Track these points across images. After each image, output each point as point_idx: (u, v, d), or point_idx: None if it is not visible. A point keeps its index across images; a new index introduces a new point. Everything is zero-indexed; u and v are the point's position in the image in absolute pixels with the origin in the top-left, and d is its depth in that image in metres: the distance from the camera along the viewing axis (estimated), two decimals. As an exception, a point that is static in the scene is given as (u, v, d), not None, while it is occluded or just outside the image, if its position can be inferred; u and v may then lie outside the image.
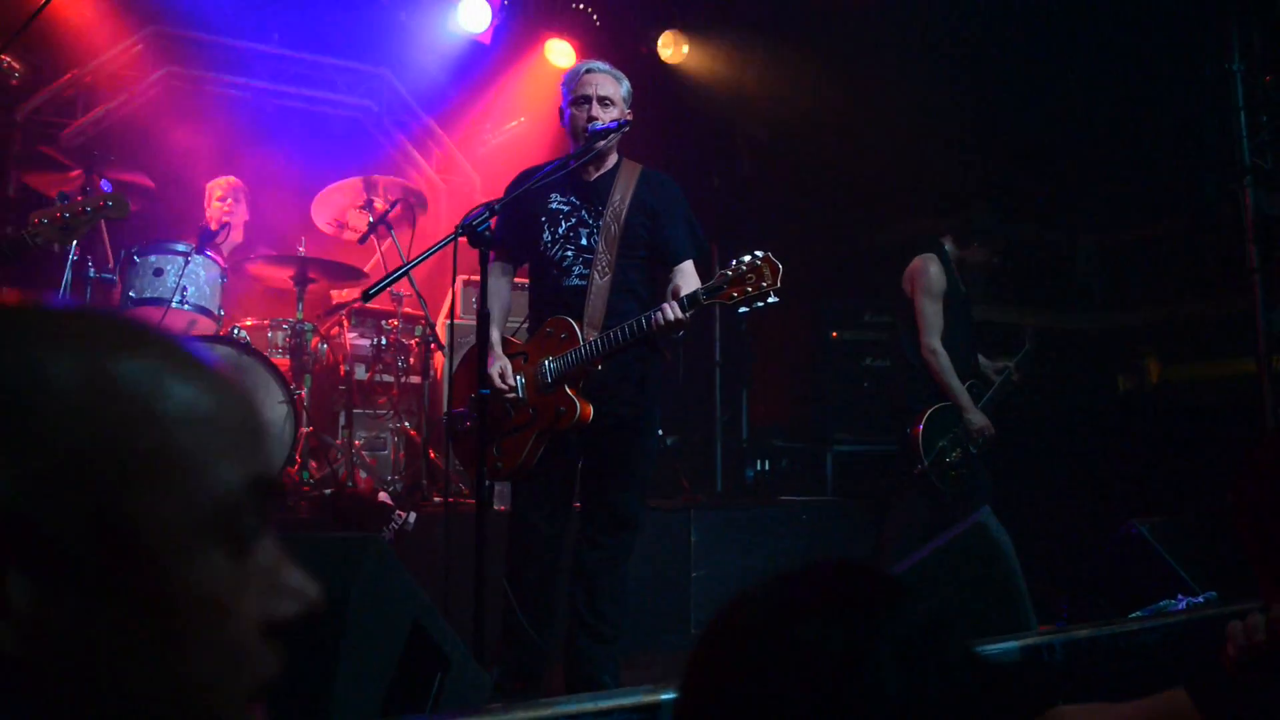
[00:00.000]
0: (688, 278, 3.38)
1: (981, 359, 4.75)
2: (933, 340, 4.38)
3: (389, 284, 2.66)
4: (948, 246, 4.56)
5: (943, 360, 4.37)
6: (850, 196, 7.14)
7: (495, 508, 4.32)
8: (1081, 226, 7.45)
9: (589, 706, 2.21)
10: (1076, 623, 3.63)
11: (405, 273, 2.71)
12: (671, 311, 3.02)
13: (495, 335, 3.23)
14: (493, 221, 2.81)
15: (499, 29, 6.72)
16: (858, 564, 0.77)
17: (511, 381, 3.20)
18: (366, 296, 2.77)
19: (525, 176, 3.44)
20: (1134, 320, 7.19)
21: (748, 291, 2.95)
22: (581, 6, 6.91)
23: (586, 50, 6.72)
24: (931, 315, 4.40)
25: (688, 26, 6.95)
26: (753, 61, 6.99)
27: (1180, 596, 3.48)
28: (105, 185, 4.30)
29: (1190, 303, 6.65)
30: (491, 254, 3.00)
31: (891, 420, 4.88)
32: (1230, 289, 5.62)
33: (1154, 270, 7.03)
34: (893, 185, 7.16)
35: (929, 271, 4.43)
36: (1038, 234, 7.24)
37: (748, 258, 2.97)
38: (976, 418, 4.37)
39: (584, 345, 3.15)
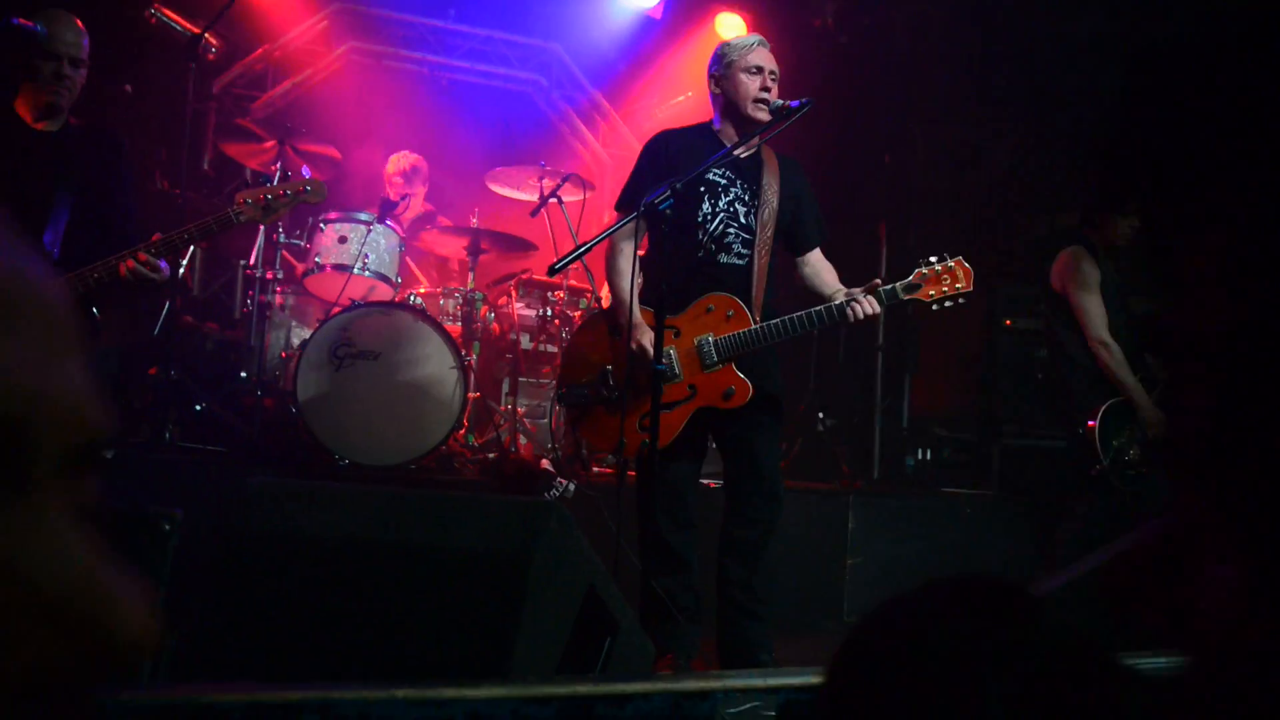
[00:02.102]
0: (824, 266, 3.41)
1: (1148, 357, 4.47)
2: (1101, 333, 4.16)
3: (574, 259, 2.69)
4: (1093, 238, 4.32)
5: (1115, 353, 4.14)
6: (1026, 180, 6.84)
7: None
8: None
9: (757, 683, 2.19)
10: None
11: (589, 249, 2.73)
12: (870, 305, 3.01)
13: (636, 307, 3.20)
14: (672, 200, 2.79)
15: (669, 2, 6.71)
16: (1010, 580, 0.75)
17: (675, 367, 3.16)
18: (552, 271, 2.81)
19: (668, 138, 3.42)
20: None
21: (944, 291, 2.97)
22: (753, -21, 6.82)
23: (758, 23, 6.62)
24: (1093, 307, 4.18)
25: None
26: (929, 40, 6.75)
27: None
28: (305, 171, 4.51)
29: None
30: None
31: (1060, 420, 4.66)
32: None
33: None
34: (1069, 169, 6.81)
35: (1080, 265, 4.21)
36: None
37: (938, 260, 3.00)
38: (1155, 414, 4.12)
39: (761, 329, 3.10)
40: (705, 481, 3.57)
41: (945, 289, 3.04)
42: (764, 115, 3.22)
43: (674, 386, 3.17)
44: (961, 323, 6.79)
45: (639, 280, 3.12)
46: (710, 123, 3.39)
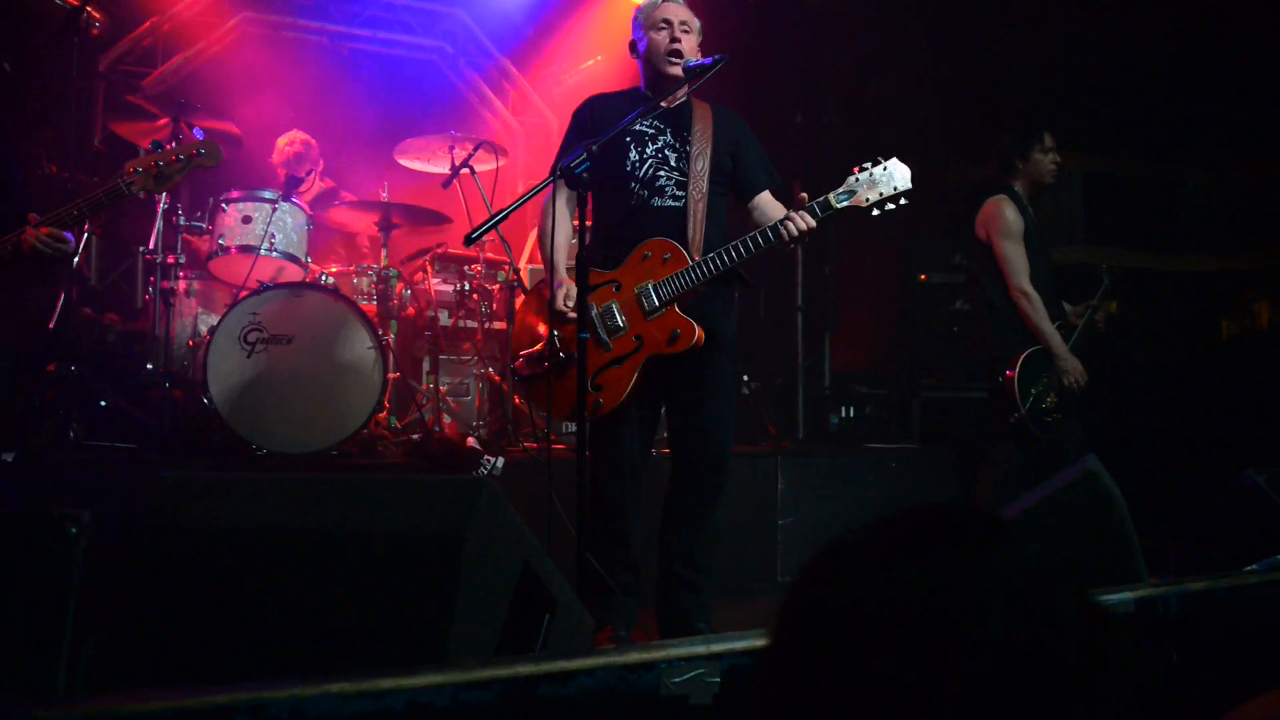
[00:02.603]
0: (773, 205, 3.34)
1: (1065, 304, 4.57)
2: (1023, 282, 4.22)
3: (490, 228, 2.61)
4: (1016, 186, 4.37)
5: (1035, 302, 4.21)
6: (938, 134, 6.91)
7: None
8: (1189, 162, 7.11)
9: (700, 649, 2.17)
10: (1188, 576, 3.51)
11: (505, 217, 2.65)
12: (804, 220, 2.96)
13: (561, 261, 3.13)
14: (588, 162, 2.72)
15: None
16: (959, 506, 0.71)
17: (571, 304, 3.09)
18: (468, 241, 2.72)
19: (596, 103, 3.36)
20: (1243, 263, 6.88)
21: (880, 194, 2.93)
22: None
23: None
24: (1016, 257, 4.23)
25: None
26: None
27: (1301, 548, 3.33)
28: (197, 133, 4.30)
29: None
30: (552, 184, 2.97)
31: (980, 368, 4.73)
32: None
33: (1267, 211, 6.69)
34: (981, 121, 6.90)
35: (1004, 214, 4.26)
36: (1139, 170, 6.94)
37: (872, 164, 2.96)
38: (1072, 362, 4.21)
39: (697, 265, 3.05)
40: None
41: (883, 192, 2.99)
42: (678, 71, 3.18)
43: (621, 339, 3.11)
44: (878, 280, 6.86)
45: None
46: (639, 86, 3.34)
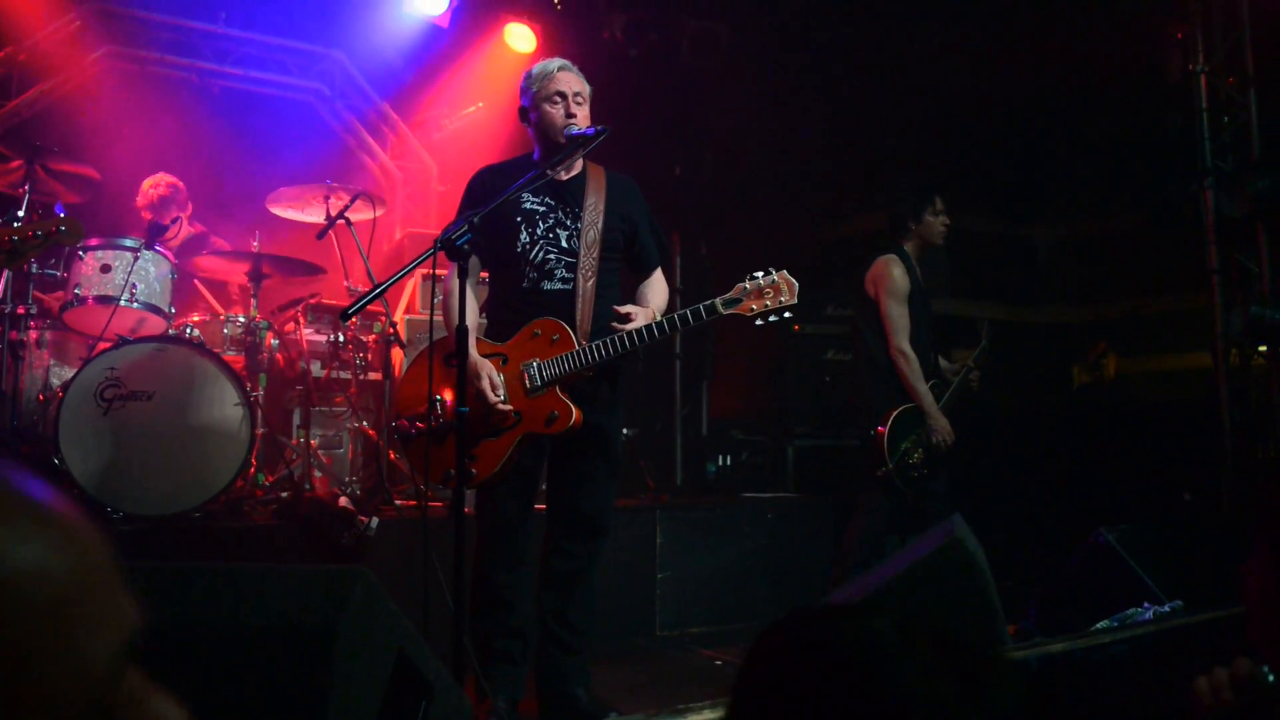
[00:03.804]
0: (659, 285, 3.46)
1: (940, 359, 4.76)
2: (902, 342, 4.38)
3: (369, 301, 2.55)
4: (906, 246, 4.56)
5: (913, 363, 4.37)
6: (812, 189, 7.13)
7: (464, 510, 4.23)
8: (1040, 220, 7.52)
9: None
10: (1047, 632, 3.67)
11: (384, 290, 2.59)
12: (693, 319, 3.04)
13: (473, 346, 3.11)
14: (470, 234, 2.69)
15: (456, 11, 6.55)
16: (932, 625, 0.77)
17: (503, 394, 3.10)
18: (345, 316, 2.65)
19: (488, 174, 3.34)
20: (1092, 315, 7.30)
21: (766, 304, 3.02)
22: (541, -10, 6.77)
23: (547, 34, 6.59)
24: (898, 317, 4.40)
25: (644, 15, 6.85)
26: (715, 50, 6.92)
27: (1146, 605, 3.53)
28: (58, 208, 4.09)
29: (1148, 298, 6.76)
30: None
31: (854, 418, 4.87)
32: (1188, 287, 5.70)
33: (1113, 265, 7.12)
34: (855, 178, 7.16)
35: (892, 274, 4.42)
36: (995, 227, 7.30)
37: (762, 275, 3.05)
38: (940, 421, 4.39)
39: (583, 349, 3.07)
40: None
41: (768, 303, 3.06)
42: (562, 140, 3.19)
43: (501, 414, 3.10)
44: (753, 329, 7.00)
45: (481, 316, 3.02)
46: (532, 154, 3.34)
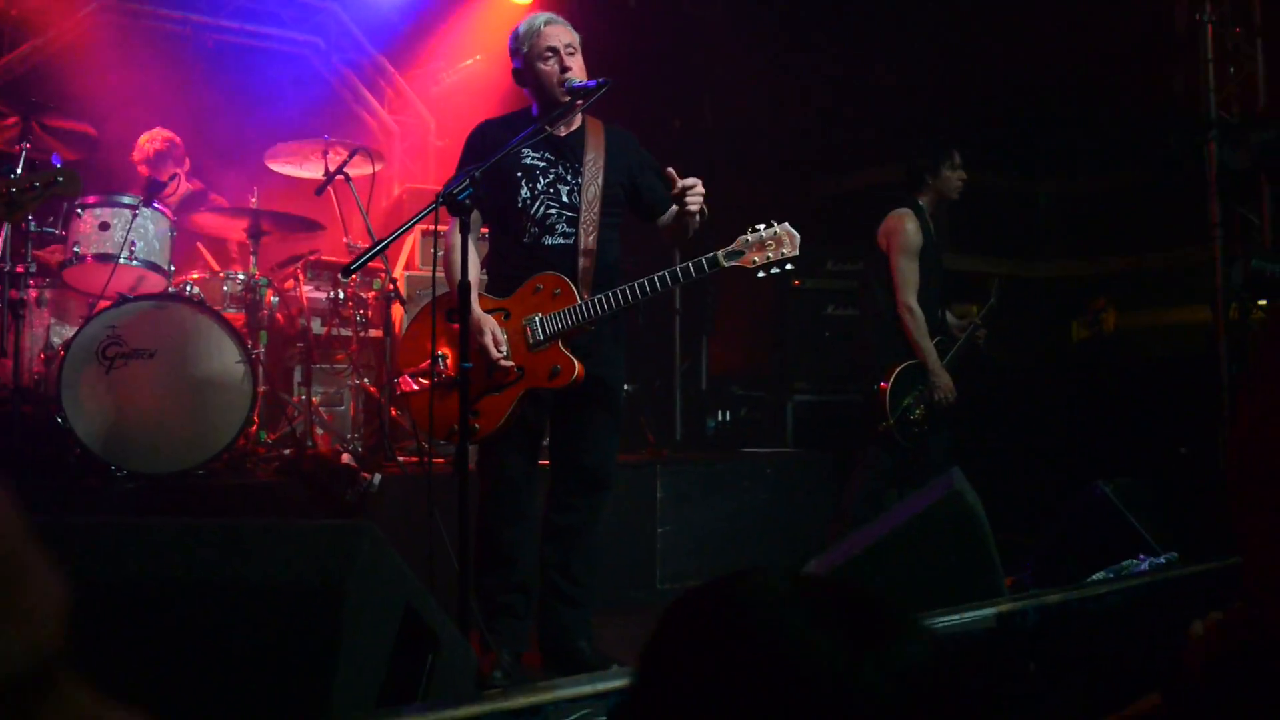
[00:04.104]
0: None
1: (947, 314, 4.77)
2: (910, 298, 4.38)
3: (370, 258, 2.54)
4: (921, 201, 4.54)
5: (919, 319, 4.38)
6: (813, 143, 7.08)
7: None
8: (1042, 174, 7.47)
9: (587, 689, 2.19)
10: (1044, 584, 3.71)
11: (385, 246, 2.59)
12: (695, 272, 3.03)
13: (475, 302, 3.11)
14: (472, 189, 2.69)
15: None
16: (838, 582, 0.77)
17: (506, 350, 3.11)
18: (347, 273, 2.65)
19: (488, 128, 3.32)
20: (1092, 270, 7.28)
21: (768, 257, 3.01)
22: (538, -60, 6.66)
23: (543, -14, 6.50)
24: (909, 273, 4.39)
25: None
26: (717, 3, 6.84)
27: (1142, 556, 3.57)
28: (55, 159, 4.06)
29: (1149, 253, 6.74)
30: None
31: (857, 372, 4.89)
32: (1189, 241, 5.69)
33: (1114, 220, 7.09)
34: (857, 132, 7.10)
35: (906, 229, 4.41)
36: (997, 181, 7.26)
37: (764, 227, 3.04)
38: (943, 379, 4.40)
39: (586, 303, 3.09)
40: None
41: (770, 255, 3.06)
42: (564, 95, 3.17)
43: (503, 369, 3.11)
44: (754, 284, 6.99)
45: (481, 271, 3.00)
46: (530, 108, 3.32)
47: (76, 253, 4.19)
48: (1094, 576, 3.52)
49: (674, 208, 3.20)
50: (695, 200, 3.07)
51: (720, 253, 3.10)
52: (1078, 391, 6.39)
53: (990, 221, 7.21)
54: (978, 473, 3.37)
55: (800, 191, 7.27)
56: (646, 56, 6.62)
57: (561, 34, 3.23)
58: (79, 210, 4.24)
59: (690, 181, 3.08)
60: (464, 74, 6.72)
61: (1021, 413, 6.25)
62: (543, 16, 3.27)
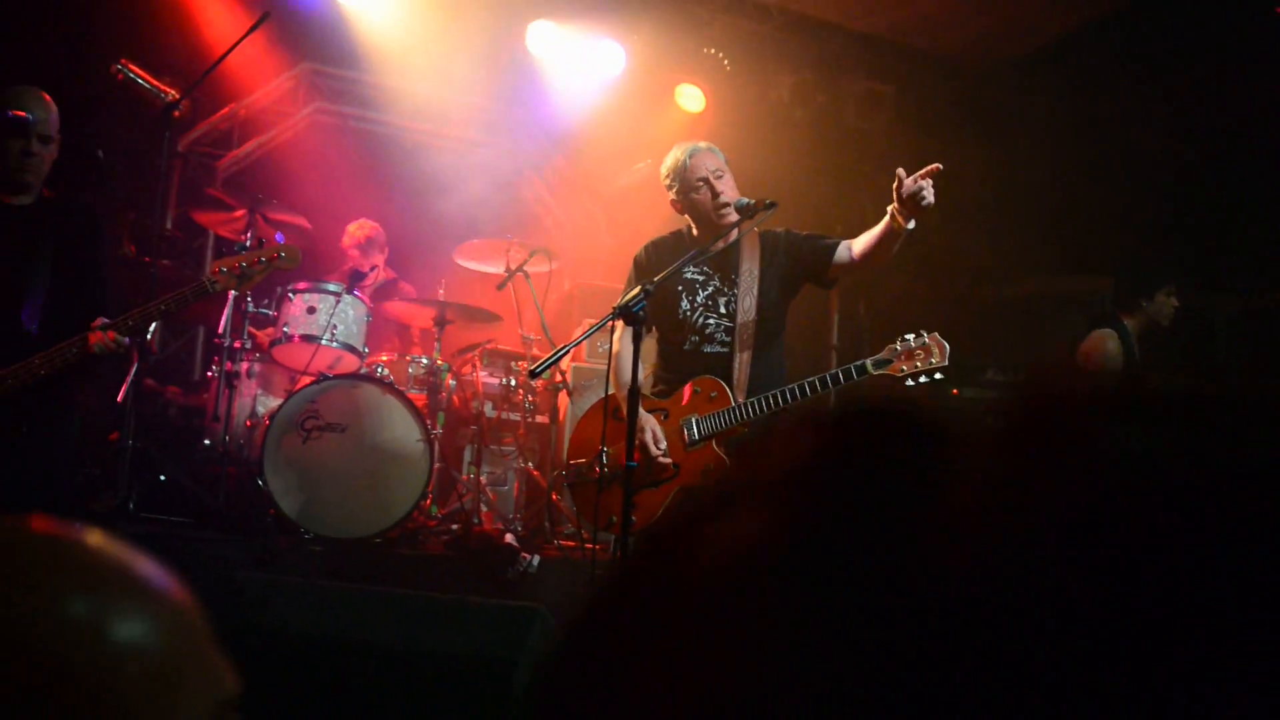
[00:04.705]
0: (861, 240, 3.33)
1: None
2: None
3: (553, 362, 2.80)
4: (1128, 322, 4.52)
5: None
6: (975, 249, 7.09)
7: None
8: (1221, 288, 7.21)
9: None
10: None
11: (565, 352, 2.84)
12: (844, 378, 3.13)
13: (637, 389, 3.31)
14: (646, 303, 2.92)
15: (630, 71, 6.88)
16: None
17: (664, 447, 3.30)
18: (533, 375, 2.92)
19: (651, 249, 3.55)
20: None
21: (916, 366, 3.09)
22: (713, 51, 7.03)
23: (716, 94, 6.83)
24: None
25: (810, 76, 7.01)
26: (881, 111, 7.02)
27: None
28: (279, 237, 4.57)
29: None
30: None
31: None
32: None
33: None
34: (1018, 239, 7.08)
35: (1107, 349, 4.42)
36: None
37: (914, 336, 3.12)
38: None
39: (739, 406, 3.25)
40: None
41: (919, 364, 3.14)
42: (732, 216, 3.36)
43: (661, 466, 3.30)
44: (909, 391, 6.97)
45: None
46: (690, 226, 3.53)
47: (286, 332, 4.66)
48: None
49: (872, 233, 3.16)
50: (928, 190, 3.01)
51: (869, 360, 3.20)
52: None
53: (1163, 340, 7.00)
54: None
55: (962, 298, 7.27)
56: (813, 166, 6.84)
57: (708, 161, 3.39)
58: (290, 295, 4.72)
59: (926, 171, 3.01)
60: (636, 176, 7.08)
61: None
62: (687, 148, 3.45)
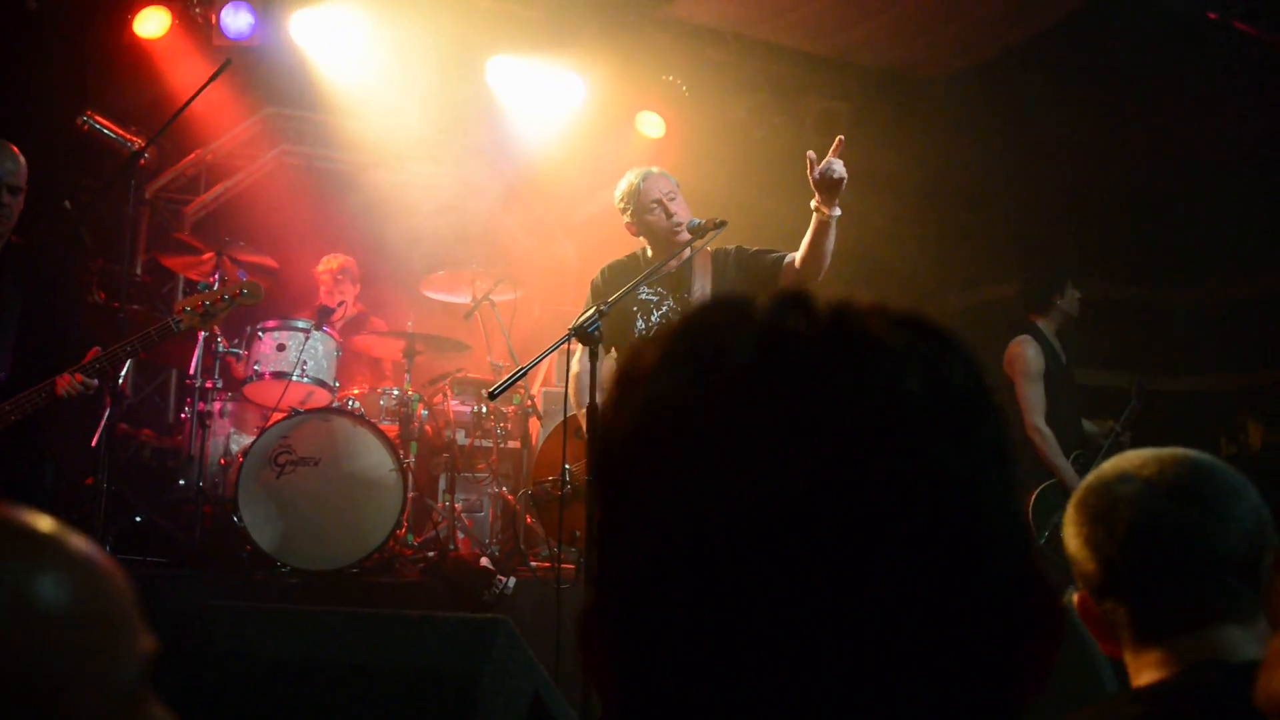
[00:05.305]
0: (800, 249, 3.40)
1: (1086, 423, 4.81)
2: (1037, 420, 4.47)
3: (511, 383, 2.89)
4: (1041, 324, 4.66)
5: (1049, 440, 4.46)
6: (926, 258, 7.22)
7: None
8: (1178, 283, 7.38)
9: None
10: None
11: (524, 373, 2.93)
12: None
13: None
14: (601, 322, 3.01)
15: (590, 101, 7.00)
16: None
17: None
18: (492, 396, 3.00)
19: (608, 271, 3.65)
20: (1233, 383, 7.10)
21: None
22: (671, 78, 7.16)
23: (677, 119, 6.96)
24: (1033, 396, 4.50)
25: (768, 99, 7.15)
26: (837, 129, 7.16)
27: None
28: (241, 274, 4.64)
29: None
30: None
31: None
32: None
33: (1256, 330, 6.93)
34: (972, 247, 7.23)
35: (1025, 354, 4.55)
36: (1131, 292, 7.22)
37: None
38: None
39: None
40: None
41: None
42: (685, 235, 3.47)
43: None
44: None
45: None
46: (644, 249, 3.63)
47: (256, 370, 4.73)
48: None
49: (807, 234, 3.22)
50: (838, 165, 3.02)
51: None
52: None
53: (1124, 334, 7.15)
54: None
55: (927, 307, 7.39)
56: (772, 184, 6.96)
57: (661, 184, 3.51)
58: (260, 333, 4.79)
59: (833, 148, 3.03)
60: (600, 204, 7.19)
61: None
62: (640, 172, 3.56)
